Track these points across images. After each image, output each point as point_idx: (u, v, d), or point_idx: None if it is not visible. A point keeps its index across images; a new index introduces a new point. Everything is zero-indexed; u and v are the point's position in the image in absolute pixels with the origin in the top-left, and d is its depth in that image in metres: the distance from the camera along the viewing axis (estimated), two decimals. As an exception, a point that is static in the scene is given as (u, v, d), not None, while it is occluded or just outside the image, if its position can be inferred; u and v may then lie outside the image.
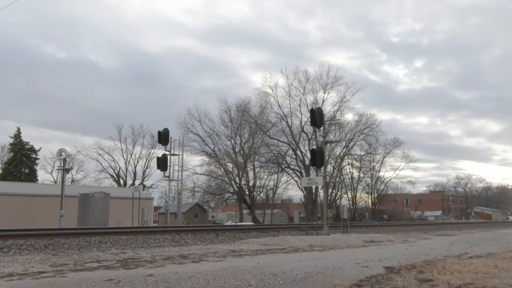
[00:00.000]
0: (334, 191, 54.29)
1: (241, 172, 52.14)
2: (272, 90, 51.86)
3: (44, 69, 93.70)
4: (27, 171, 61.23)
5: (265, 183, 54.78)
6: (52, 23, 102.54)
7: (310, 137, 50.27)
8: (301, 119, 51.87)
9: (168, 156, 29.86)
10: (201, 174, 52.09)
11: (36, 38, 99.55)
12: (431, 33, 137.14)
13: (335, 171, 53.07)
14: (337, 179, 52.24)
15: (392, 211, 65.34)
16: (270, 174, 53.30)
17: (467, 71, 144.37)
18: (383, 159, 60.99)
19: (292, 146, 52.03)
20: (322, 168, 19.84)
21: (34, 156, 62.74)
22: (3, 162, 62.80)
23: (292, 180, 54.09)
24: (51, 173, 64.73)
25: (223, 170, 52.02)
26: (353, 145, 55.33)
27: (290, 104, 52.06)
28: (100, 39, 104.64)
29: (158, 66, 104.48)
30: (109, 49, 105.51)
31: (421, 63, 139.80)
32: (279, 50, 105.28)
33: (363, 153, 57.60)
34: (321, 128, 20.30)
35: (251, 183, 53.39)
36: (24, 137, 62.42)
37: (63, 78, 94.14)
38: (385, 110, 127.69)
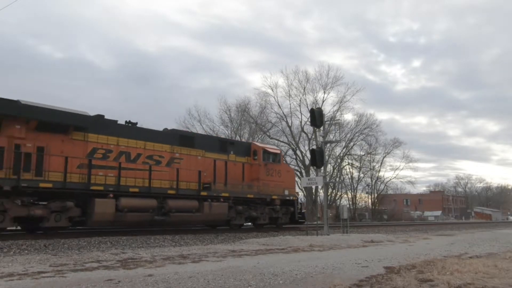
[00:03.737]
0: (334, 191, 54.28)
1: (241, 172, 52.03)
2: (272, 90, 51.92)
3: (41, 69, 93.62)
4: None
5: (265, 183, 54.70)
6: (48, 23, 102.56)
7: (310, 137, 50.32)
8: (301, 119, 51.94)
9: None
10: (201, 174, 51.94)
11: (32, 37, 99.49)
12: (429, 32, 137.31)
13: (335, 171, 53.06)
14: (337, 179, 52.20)
15: (392, 211, 65.33)
16: (270, 174, 53.22)
17: (465, 70, 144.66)
18: (383, 159, 61.03)
19: (292, 146, 52.06)
20: (322, 168, 19.82)
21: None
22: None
23: (292, 180, 54.00)
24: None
25: (223, 170, 51.89)
26: (353, 145, 55.36)
27: (290, 104, 52.12)
28: (97, 39, 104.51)
29: (156, 66, 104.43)
30: (106, 49, 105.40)
31: (418, 63, 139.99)
32: (277, 50, 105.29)
33: (363, 153, 57.64)
34: (321, 128, 20.28)
35: (251, 183, 53.31)
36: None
37: (61, 77, 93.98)
38: (384, 110, 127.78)
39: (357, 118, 54.55)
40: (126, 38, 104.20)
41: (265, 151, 20.44)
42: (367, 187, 62.78)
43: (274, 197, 19.72)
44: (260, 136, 51.39)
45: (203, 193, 16.99)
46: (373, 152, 58.45)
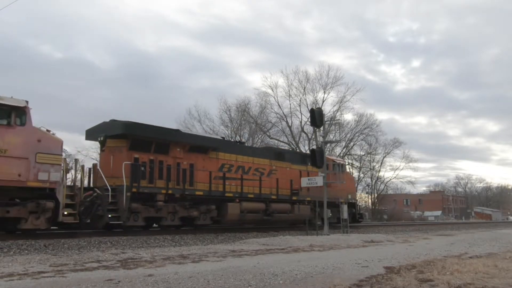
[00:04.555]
0: (334, 191, 54.27)
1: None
2: (272, 90, 51.90)
3: (41, 69, 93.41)
4: (27, 171, 61.07)
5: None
6: (48, 23, 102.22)
7: (310, 137, 50.28)
8: (301, 119, 51.94)
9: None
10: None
11: (32, 37, 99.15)
12: (428, 32, 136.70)
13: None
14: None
15: (392, 211, 65.27)
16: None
17: (465, 70, 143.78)
18: (383, 159, 60.99)
19: (292, 146, 52.03)
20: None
21: (34, 156, 62.69)
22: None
23: (292, 180, 53.96)
24: (51, 173, 64.57)
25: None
26: (353, 145, 55.37)
27: (290, 104, 52.10)
28: (96, 38, 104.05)
29: (156, 66, 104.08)
30: (106, 49, 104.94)
31: (418, 63, 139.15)
32: (277, 50, 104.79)
33: (363, 153, 57.64)
34: (321, 128, 20.31)
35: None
36: (24, 137, 62.39)
37: (61, 77, 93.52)
38: (383, 110, 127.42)
39: (357, 118, 54.57)
40: (126, 38, 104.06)
41: (334, 163, 24.35)
42: (367, 187, 62.80)
43: (341, 200, 22.84)
44: (260, 136, 51.41)
45: (294, 198, 21.07)
46: (373, 152, 58.48)
